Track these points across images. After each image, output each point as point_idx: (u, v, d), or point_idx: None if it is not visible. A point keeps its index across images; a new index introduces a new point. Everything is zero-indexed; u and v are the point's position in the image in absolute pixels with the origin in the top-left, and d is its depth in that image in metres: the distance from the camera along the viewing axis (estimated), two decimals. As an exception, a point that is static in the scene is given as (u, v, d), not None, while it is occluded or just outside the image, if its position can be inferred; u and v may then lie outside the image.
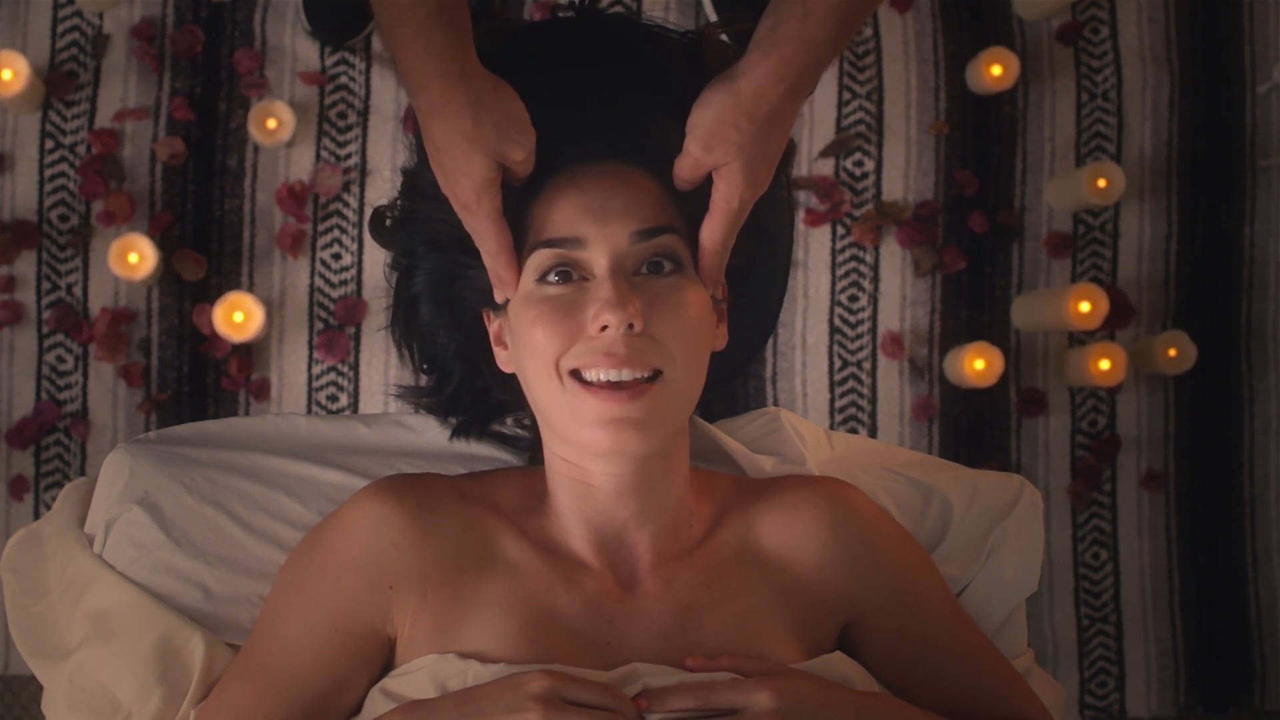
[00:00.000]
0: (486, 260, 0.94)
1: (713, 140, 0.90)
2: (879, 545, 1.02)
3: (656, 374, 0.90)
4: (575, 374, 0.91)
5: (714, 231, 0.93)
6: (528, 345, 0.92)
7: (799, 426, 1.15)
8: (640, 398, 0.89)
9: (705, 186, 0.93)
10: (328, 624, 0.95)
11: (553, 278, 0.92)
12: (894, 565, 1.02)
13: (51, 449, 1.94)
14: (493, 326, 1.00)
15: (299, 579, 0.97)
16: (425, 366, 1.07)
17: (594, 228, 0.91)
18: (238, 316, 1.87)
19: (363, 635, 0.95)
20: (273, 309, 1.95)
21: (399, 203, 1.02)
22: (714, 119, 0.89)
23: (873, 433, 2.03)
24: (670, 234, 0.92)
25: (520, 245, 0.93)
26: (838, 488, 1.04)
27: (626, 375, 0.89)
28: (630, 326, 0.88)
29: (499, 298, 0.96)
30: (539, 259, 0.92)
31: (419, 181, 0.99)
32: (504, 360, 1.00)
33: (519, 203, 0.93)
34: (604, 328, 0.89)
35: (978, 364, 1.94)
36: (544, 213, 0.93)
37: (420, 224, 1.00)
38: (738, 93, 0.88)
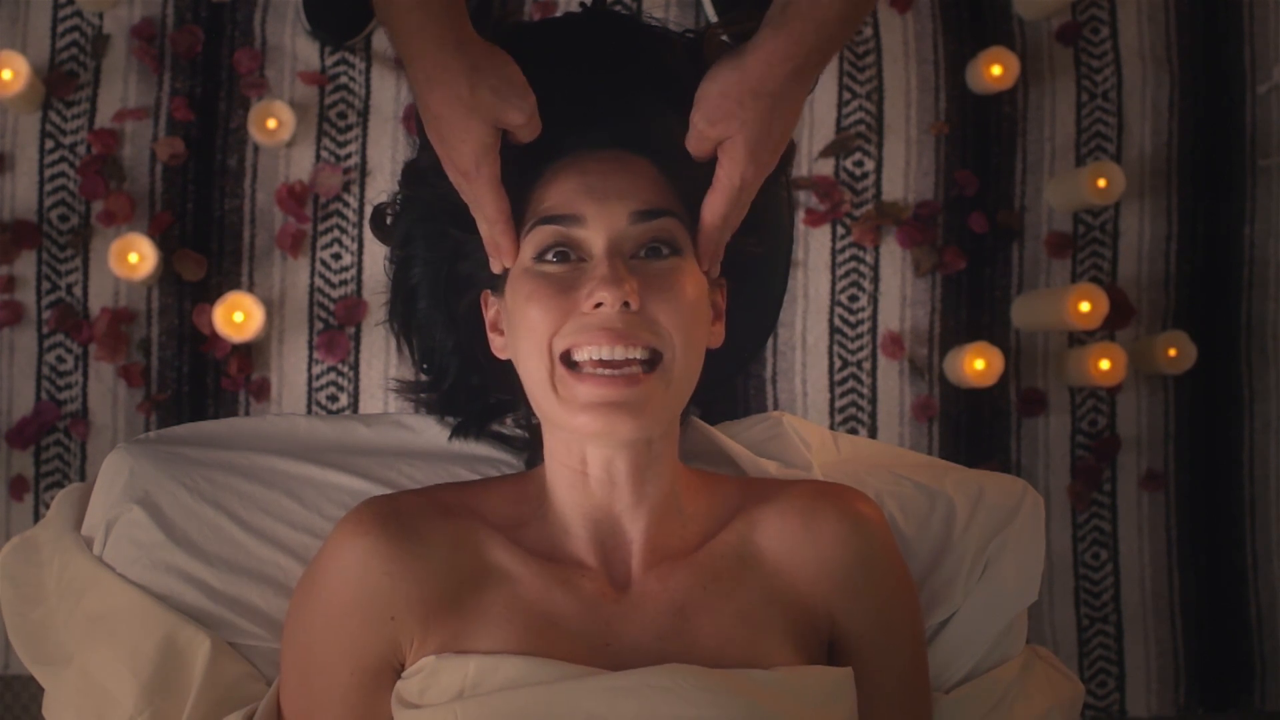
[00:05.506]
0: (484, 228, 0.94)
1: (716, 114, 0.91)
2: (877, 571, 1.00)
3: (654, 357, 0.90)
4: (565, 358, 0.90)
5: (715, 207, 0.94)
6: (522, 323, 0.92)
7: (802, 431, 1.14)
8: (636, 386, 0.89)
9: (708, 175, 0.94)
10: (345, 669, 0.95)
11: (550, 257, 0.92)
12: (883, 597, 1.01)
13: (51, 449, 1.94)
14: (490, 312, 1.00)
15: (306, 632, 0.97)
16: (424, 366, 1.07)
17: (593, 206, 0.91)
18: (238, 316, 1.87)
19: (377, 669, 0.95)
20: (273, 309, 1.95)
21: (398, 196, 1.03)
22: (719, 93, 0.90)
23: (873, 433, 2.03)
24: (669, 217, 0.93)
25: (520, 224, 0.94)
26: (852, 501, 1.02)
27: (620, 353, 0.89)
28: (626, 305, 0.89)
29: (496, 267, 0.96)
30: (538, 235, 0.93)
31: (417, 167, 1.00)
32: (499, 346, 1.00)
33: (521, 183, 0.94)
34: (598, 305, 0.89)
35: (978, 364, 1.94)
36: (545, 192, 0.94)
37: (419, 209, 1.00)
38: (744, 69, 0.89)
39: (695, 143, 0.93)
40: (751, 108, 0.90)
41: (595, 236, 0.91)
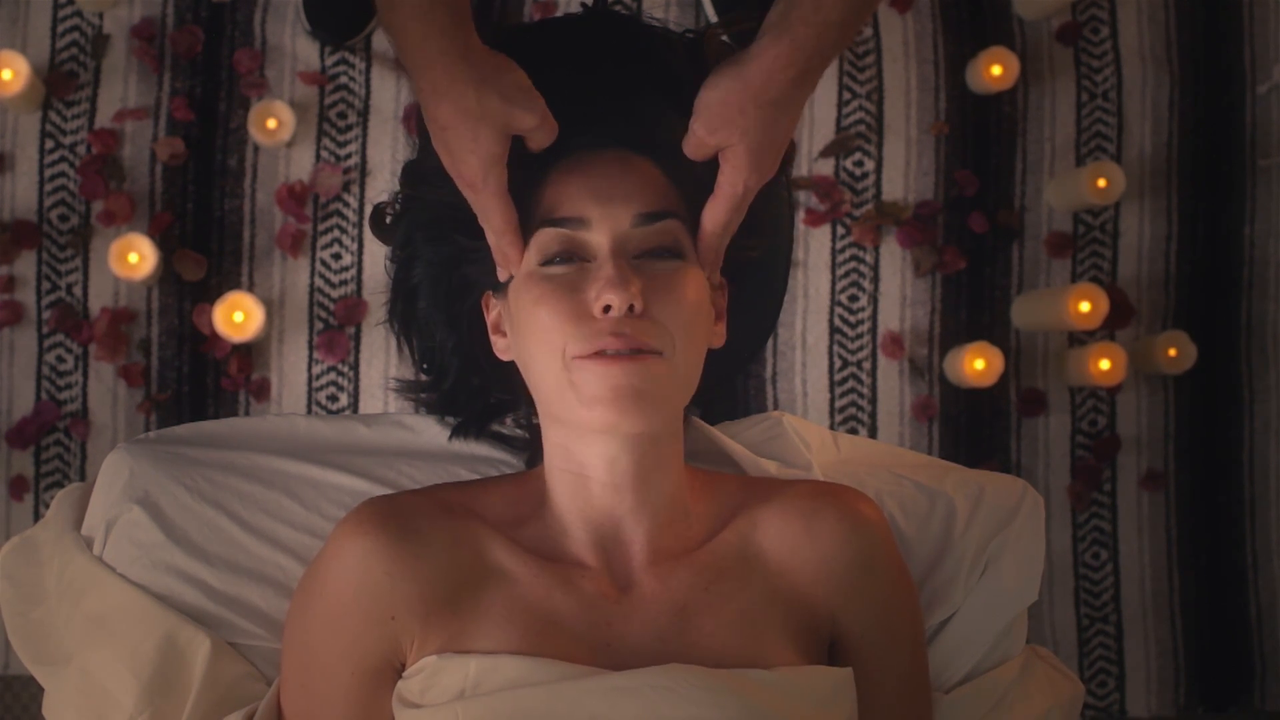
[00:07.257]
0: (491, 238, 0.94)
1: (717, 122, 0.91)
2: (878, 571, 1.00)
3: (656, 354, 0.91)
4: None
5: (716, 214, 0.94)
6: (530, 326, 0.92)
7: (802, 431, 1.14)
8: (639, 362, 0.89)
9: (710, 176, 0.94)
10: (345, 669, 0.95)
11: (555, 259, 0.92)
12: (883, 597, 1.01)
13: (51, 449, 1.94)
14: (491, 314, 1.00)
15: (306, 632, 0.97)
16: (425, 366, 1.07)
17: (598, 209, 0.91)
18: (238, 316, 1.87)
19: (378, 669, 0.95)
20: (273, 309, 1.95)
21: (399, 195, 1.03)
22: (720, 101, 0.90)
23: (873, 433, 2.03)
24: (672, 219, 0.93)
25: (525, 227, 0.94)
26: (853, 501, 1.02)
27: (626, 353, 0.89)
28: (631, 308, 0.89)
29: (502, 275, 0.96)
30: (542, 239, 0.93)
31: (419, 169, 0.99)
32: (502, 348, 1.00)
33: (524, 186, 0.94)
34: (606, 308, 0.89)
35: (978, 364, 1.94)
36: (549, 195, 0.94)
37: (420, 211, 1.00)
38: (745, 76, 0.89)
39: (694, 149, 0.93)
40: (753, 116, 0.89)
41: (600, 238, 0.91)
